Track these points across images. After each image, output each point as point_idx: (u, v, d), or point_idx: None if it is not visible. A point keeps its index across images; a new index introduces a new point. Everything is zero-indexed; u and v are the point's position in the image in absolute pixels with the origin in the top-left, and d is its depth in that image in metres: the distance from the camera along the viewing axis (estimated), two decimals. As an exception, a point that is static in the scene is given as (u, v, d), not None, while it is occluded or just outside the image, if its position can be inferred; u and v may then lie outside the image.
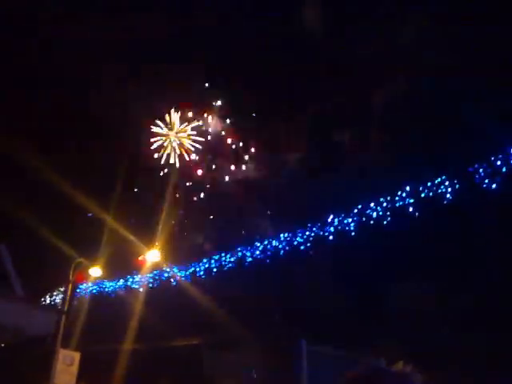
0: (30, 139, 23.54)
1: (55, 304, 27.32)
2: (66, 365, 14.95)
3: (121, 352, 24.30)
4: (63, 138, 26.89)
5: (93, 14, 26.45)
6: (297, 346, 5.96)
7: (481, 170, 20.19)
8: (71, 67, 26.45)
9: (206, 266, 27.08)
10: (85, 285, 26.59)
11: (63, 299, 17.37)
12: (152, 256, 22.64)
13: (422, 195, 21.68)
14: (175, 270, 27.53)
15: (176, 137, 32.72)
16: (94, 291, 28.39)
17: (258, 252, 26.05)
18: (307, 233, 24.67)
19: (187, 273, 27.33)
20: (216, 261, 26.85)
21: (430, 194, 21.47)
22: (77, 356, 15.33)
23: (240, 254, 26.44)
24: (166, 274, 27.61)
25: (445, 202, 21.07)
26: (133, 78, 27.99)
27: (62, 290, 24.14)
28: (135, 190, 31.90)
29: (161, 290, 27.31)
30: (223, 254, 26.81)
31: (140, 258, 25.36)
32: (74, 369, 15.15)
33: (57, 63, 26.14)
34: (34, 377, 18.20)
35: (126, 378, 23.45)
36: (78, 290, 25.76)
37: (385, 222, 22.56)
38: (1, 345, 18.87)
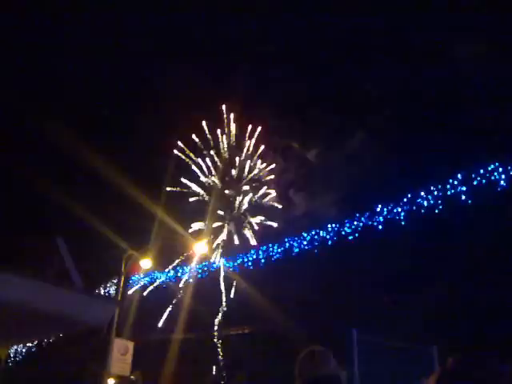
0: (84, 132, 24.17)
1: (109, 295, 28.14)
2: (121, 354, 15.36)
3: (173, 341, 24.88)
4: (117, 132, 27.43)
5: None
6: (348, 336, 5.91)
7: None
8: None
9: (254, 256, 27.22)
10: (137, 276, 27.28)
11: (116, 290, 17.89)
12: (200, 248, 22.97)
13: (475, 183, 21.02)
14: (224, 261, 27.82)
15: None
16: (146, 282, 29.07)
17: (305, 242, 25.97)
18: (355, 223, 24.38)
19: (235, 264, 27.57)
20: (264, 251, 26.95)
21: (483, 181, 20.78)
22: (131, 345, 15.74)
23: (287, 244, 26.43)
24: (214, 265, 27.95)
25: (498, 189, 20.36)
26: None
27: (114, 281, 24.83)
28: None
29: (210, 280, 27.67)
30: (271, 245, 26.87)
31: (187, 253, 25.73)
32: (129, 357, 15.56)
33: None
34: (90, 365, 18.88)
35: (178, 365, 24.01)
36: (130, 282, 26.47)
37: (436, 211, 22.01)
38: (59, 334, 19.64)
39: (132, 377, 21.87)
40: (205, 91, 26.51)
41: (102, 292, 29.93)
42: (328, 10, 25.72)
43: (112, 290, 28.39)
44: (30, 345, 32.15)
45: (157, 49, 27.56)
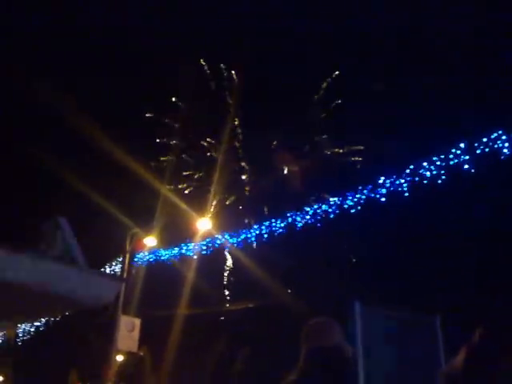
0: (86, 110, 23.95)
1: (115, 273, 28.38)
2: (128, 330, 15.58)
3: (178, 317, 25.16)
4: (119, 110, 27.19)
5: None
6: (350, 308, 5.92)
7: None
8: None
9: (257, 232, 27.30)
10: (141, 254, 27.45)
11: (122, 268, 18.04)
12: (204, 224, 23.05)
13: (478, 151, 20.88)
14: (227, 237, 27.93)
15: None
16: (151, 260, 29.28)
17: (308, 217, 26.00)
18: (358, 195, 24.35)
19: (239, 239, 27.67)
20: (267, 227, 27.01)
21: (486, 149, 20.64)
22: (137, 322, 15.95)
23: (290, 219, 26.46)
24: (218, 242, 28.08)
25: (502, 158, 20.23)
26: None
27: (120, 259, 24.99)
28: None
29: (214, 256, 27.84)
30: (273, 220, 26.92)
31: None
32: (136, 334, 15.78)
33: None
34: (98, 343, 19.13)
35: (183, 341, 24.33)
36: (135, 259, 26.65)
37: (439, 181, 21.94)
38: (66, 313, 19.87)
39: (140, 353, 22.22)
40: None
41: (108, 270, 30.18)
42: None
43: (117, 268, 28.62)
44: (38, 324, 32.56)
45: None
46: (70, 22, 26.16)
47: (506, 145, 20.16)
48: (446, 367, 2.23)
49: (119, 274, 21.29)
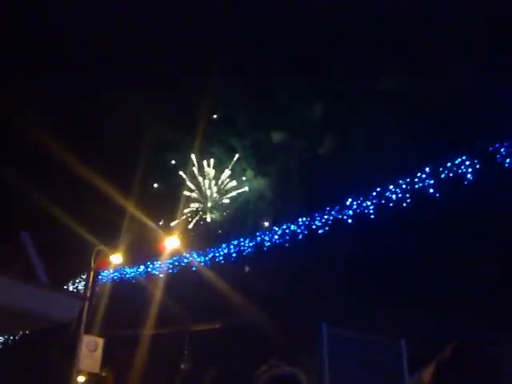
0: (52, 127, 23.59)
1: (78, 291, 27.76)
2: (90, 350, 15.17)
3: (143, 337, 24.68)
4: (83, 124, 26.85)
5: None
6: (317, 330, 5.92)
7: (502, 150, 19.82)
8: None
9: (225, 251, 27.18)
10: (106, 271, 26.94)
11: (85, 286, 17.63)
12: (171, 242, 22.82)
13: (442, 176, 21.40)
14: (194, 255, 27.70)
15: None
16: (116, 278, 28.75)
17: (276, 236, 26.06)
18: (326, 216, 24.57)
19: (206, 258, 27.48)
20: (235, 246, 26.94)
21: (450, 174, 21.18)
22: (100, 341, 15.56)
23: (259, 238, 26.48)
24: (185, 260, 27.80)
25: (465, 183, 20.78)
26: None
27: (84, 277, 24.47)
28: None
29: (180, 275, 27.54)
30: (242, 239, 26.88)
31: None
32: (98, 354, 15.37)
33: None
34: (58, 362, 18.56)
35: (148, 362, 23.83)
36: (99, 277, 26.11)
37: (404, 204, 22.35)
38: (26, 331, 19.28)
39: (102, 374, 21.63)
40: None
41: (71, 288, 29.50)
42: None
43: (81, 286, 27.99)
44: (-4, 342, 31.44)
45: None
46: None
47: (470, 170, 20.74)
48: (412, 380, 2.20)
49: (82, 291, 20.81)
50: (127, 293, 26.61)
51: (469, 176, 20.74)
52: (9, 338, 29.32)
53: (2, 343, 31.33)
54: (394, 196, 22.70)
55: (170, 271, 27.75)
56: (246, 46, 26.26)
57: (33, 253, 6.90)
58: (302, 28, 25.24)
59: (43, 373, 23.46)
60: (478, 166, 20.58)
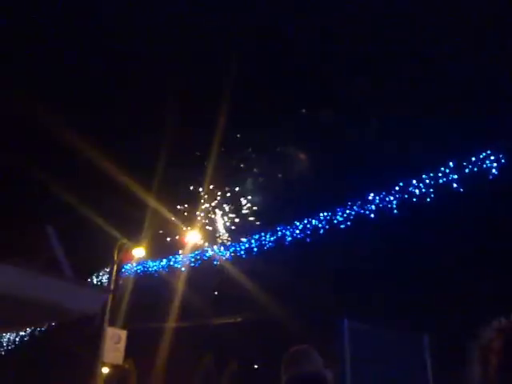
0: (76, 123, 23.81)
1: (102, 284, 28.13)
2: (114, 342, 15.40)
3: (165, 330, 24.96)
4: (110, 121, 26.96)
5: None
6: (339, 325, 5.92)
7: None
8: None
9: (247, 245, 27.24)
10: (129, 265, 27.26)
11: (109, 279, 17.88)
12: (193, 236, 22.98)
13: (466, 170, 21.09)
14: (216, 249, 27.83)
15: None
16: (139, 271, 29.06)
17: (297, 231, 26.01)
18: (347, 211, 24.43)
19: (228, 252, 27.59)
20: (256, 240, 26.98)
21: (475, 169, 20.85)
22: (124, 334, 15.78)
23: (280, 233, 26.45)
24: (207, 254, 27.96)
25: (490, 178, 20.44)
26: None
27: (107, 270, 24.79)
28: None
29: (203, 269, 27.71)
30: (263, 234, 26.90)
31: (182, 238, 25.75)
32: (122, 346, 15.61)
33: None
34: (83, 354, 18.90)
35: (170, 354, 24.11)
36: (123, 270, 26.44)
37: (428, 200, 22.09)
38: (51, 323, 19.65)
39: (126, 366, 21.96)
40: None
41: (95, 281, 29.91)
42: None
43: (105, 279, 28.37)
44: (23, 334, 32.13)
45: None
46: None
47: (495, 165, 20.39)
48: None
49: (106, 284, 21.10)
50: (150, 286, 26.89)
51: (494, 171, 20.39)
52: (35, 330, 29.90)
53: (29, 334, 32.01)
54: (417, 191, 22.44)
55: (192, 265, 27.95)
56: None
57: (57, 246, 7.03)
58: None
59: (68, 364, 23.93)
60: (503, 161, 20.23)
